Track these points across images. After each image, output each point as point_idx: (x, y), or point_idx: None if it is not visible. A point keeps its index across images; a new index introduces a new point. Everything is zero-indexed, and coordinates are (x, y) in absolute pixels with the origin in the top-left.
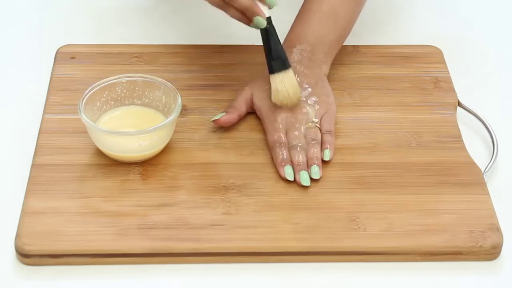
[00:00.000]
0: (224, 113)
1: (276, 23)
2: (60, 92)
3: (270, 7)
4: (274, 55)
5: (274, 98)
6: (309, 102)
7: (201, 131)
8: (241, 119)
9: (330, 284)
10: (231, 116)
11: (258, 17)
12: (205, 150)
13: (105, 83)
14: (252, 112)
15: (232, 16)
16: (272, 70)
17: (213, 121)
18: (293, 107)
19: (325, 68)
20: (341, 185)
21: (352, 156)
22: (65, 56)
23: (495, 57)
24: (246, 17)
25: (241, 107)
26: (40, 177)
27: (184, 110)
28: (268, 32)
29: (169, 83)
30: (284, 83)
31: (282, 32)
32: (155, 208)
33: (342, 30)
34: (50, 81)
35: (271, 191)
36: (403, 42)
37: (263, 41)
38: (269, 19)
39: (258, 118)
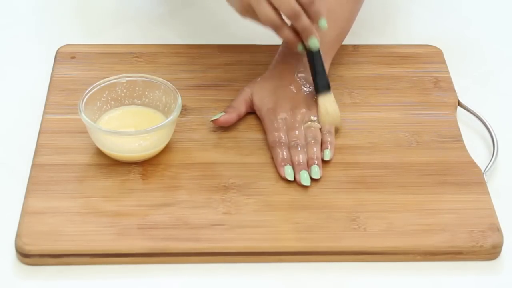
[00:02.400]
0: (223, 113)
1: None
2: (60, 92)
3: (321, 30)
4: (321, 76)
5: (323, 119)
6: (309, 101)
7: (201, 131)
8: (241, 119)
9: (330, 284)
10: (230, 116)
11: (314, 38)
12: (205, 150)
13: (105, 83)
14: (252, 112)
15: (284, 37)
16: (318, 91)
17: (212, 121)
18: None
19: None
20: (341, 185)
21: (352, 156)
22: (65, 56)
23: (495, 57)
24: (298, 38)
25: (240, 107)
26: (40, 177)
27: (184, 110)
28: (315, 55)
29: (169, 83)
30: (332, 104)
31: None
32: (155, 208)
33: (341, 29)
34: (50, 81)
35: (271, 191)
36: (403, 42)
37: (310, 63)
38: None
39: (258, 118)
